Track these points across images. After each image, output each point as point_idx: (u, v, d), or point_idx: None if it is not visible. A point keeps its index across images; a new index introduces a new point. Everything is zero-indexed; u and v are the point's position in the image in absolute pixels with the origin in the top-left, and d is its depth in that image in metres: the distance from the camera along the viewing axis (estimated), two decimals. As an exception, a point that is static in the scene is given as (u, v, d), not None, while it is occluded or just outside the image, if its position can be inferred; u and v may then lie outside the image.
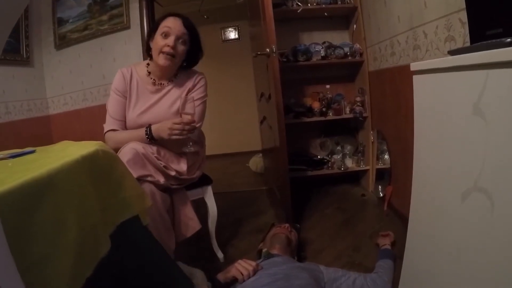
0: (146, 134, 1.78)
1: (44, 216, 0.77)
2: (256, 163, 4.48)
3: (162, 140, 1.80)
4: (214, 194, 2.21)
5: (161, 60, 1.84)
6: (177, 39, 1.84)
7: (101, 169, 1.08)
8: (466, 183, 0.97)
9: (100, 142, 1.19)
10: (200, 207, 2.21)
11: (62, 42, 3.72)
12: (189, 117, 1.73)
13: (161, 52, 1.83)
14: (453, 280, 1.06)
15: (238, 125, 5.81)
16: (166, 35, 1.83)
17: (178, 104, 1.84)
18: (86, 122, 3.67)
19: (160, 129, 1.76)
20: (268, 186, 3.57)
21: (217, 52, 5.78)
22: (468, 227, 0.98)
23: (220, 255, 2.22)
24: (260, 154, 4.35)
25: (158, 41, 1.83)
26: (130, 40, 3.47)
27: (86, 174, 0.98)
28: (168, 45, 1.82)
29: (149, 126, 1.79)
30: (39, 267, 0.73)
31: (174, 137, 1.73)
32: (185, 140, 1.81)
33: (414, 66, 1.30)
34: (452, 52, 1.19)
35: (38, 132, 3.69)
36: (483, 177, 0.90)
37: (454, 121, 1.05)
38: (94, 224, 0.94)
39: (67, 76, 3.76)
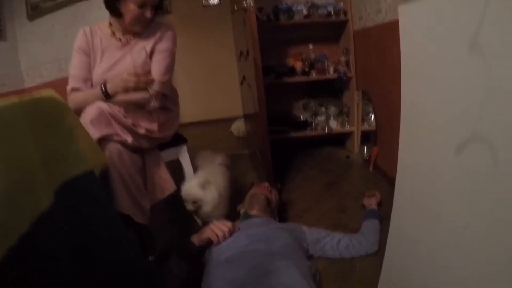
0: (102, 91, 1.67)
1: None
2: (238, 127, 4.39)
3: (120, 99, 1.70)
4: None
5: (137, 28, 1.79)
6: (152, 7, 1.76)
7: (45, 116, 0.94)
8: (462, 134, 0.84)
9: (52, 90, 1.05)
10: (176, 171, 2.10)
11: (35, 12, 3.54)
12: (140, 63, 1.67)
13: (136, 21, 1.75)
14: (443, 244, 0.94)
15: (220, 91, 5.67)
16: (143, 6, 1.71)
17: (144, 55, 1.72)
18: (63, 94, 3.49)
19: (114, 84, 1.68)
20: (251, 150, 3.47)
21: (198, 18, 5.55)
22: (465, 185, 0.85)
23: (198, 220, 2.11)
24: (243, 119, 4.24)
25: (132, 9, 1.71)
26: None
27: (25, 119, 0.84)
28: (147, 17, 1.75)
29: (104, 83, 1.69)
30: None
31: (132, 95, 1.68)
32: (146, 97, 1.72)
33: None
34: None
35: (14, 107, 3.55)
36: (482, 125, 0.77)
37: (448, 58, 0.91)
38: (31, 176, 0.80)
39: (41, 47, 3.62)
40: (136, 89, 1.66)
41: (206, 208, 1.88)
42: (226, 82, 5.42)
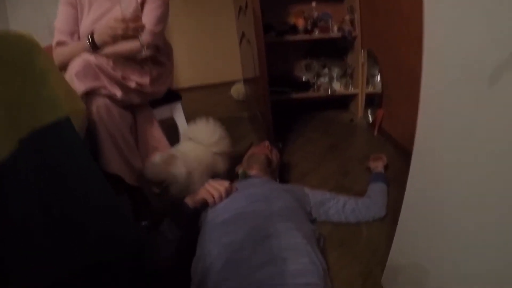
0: (89, 42, 1.53)
1: None
2: (238, 90, 4.24)
3: (108, 50, 1.56)
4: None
5: None
6: None
7: (11, 55, 0.82)
8: (495, 62, 0.67)
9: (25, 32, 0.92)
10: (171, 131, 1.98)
11: (24, -22, 3.38)
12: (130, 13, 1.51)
13: None
14: (468, 208, 0.82)
15: (218, 55, 5.48)
16: None
17: (134, 4, 1.57)
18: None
19: (101, 33, 1.53)
20: (251, 112, 3.34)
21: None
22: (500, 125, 0.69)
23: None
24: (242, 82, 4.10)
25: None
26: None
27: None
28: None
29: (91, 34, 1.55)
30: None
31: (122, 46, 1.54)
32: (137, 46, 1.57)
33: None
34: None
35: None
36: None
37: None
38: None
39: (32, 14, 3.44)
40: (125, 37, 1.51)
41: (175, 187, 1.58)
42: (224, 45, 5.23)
